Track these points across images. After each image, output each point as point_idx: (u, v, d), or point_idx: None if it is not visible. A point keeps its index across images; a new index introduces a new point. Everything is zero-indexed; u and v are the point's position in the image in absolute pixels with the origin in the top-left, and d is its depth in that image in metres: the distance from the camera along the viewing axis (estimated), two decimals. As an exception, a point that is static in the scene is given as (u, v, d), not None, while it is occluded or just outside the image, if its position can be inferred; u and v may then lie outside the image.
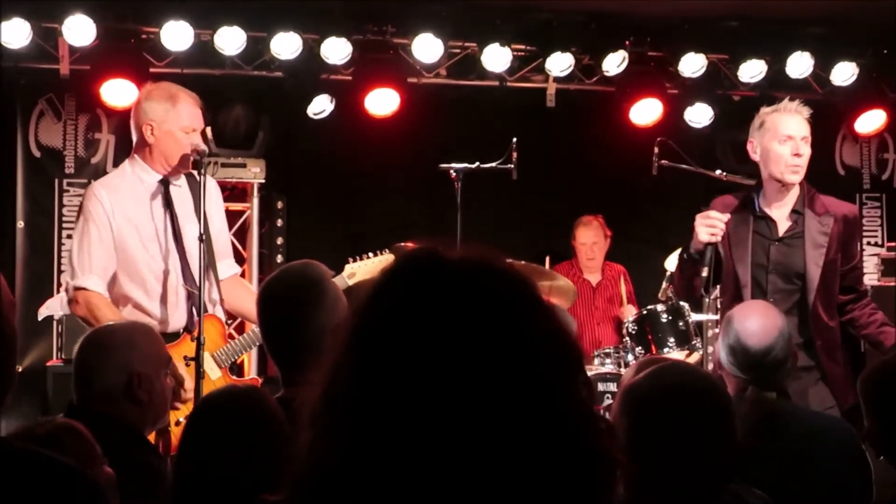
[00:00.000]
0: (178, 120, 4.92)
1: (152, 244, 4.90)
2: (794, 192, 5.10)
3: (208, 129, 6.57)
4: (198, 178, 4.82)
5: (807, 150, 5.00)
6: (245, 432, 2.63)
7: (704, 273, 4.80)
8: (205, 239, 4.70)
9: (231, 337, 5.11)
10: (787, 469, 3.30)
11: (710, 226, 4.86)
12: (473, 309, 1.28)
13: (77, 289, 4.81)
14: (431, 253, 1.34)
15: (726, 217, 4.93)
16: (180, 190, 5.03)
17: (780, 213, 5.11)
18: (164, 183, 4.95)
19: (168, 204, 4.94)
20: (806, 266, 4.99)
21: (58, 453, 2.24)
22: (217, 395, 2.85)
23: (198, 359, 4.51)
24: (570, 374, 1.32)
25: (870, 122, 8.73)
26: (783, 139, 4.99)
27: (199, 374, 4.50)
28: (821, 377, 4.92)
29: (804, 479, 3.34)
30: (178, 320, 4.91)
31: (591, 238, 8.20)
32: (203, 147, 4.90)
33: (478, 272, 1.32)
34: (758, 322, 3.71)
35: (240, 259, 7.77)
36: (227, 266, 5.18)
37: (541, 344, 1.29)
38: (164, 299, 4.90)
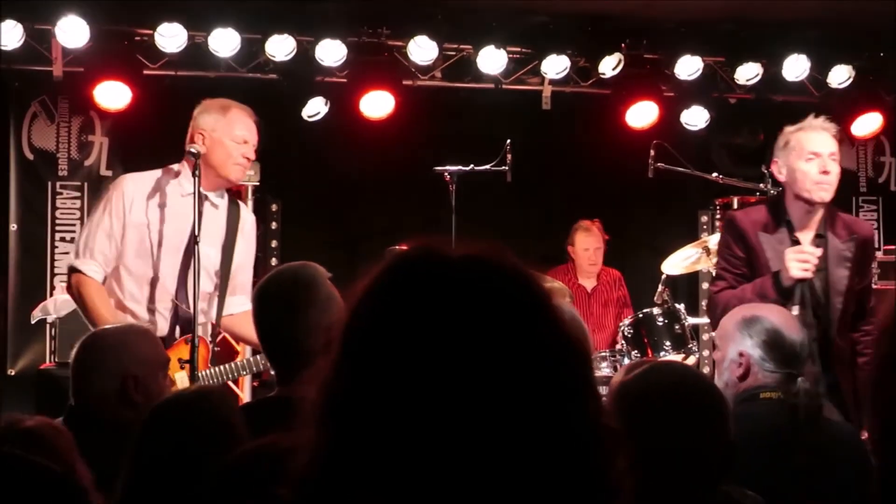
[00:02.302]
0: (229, 129, 4.95)
1: (159, 249, 4.89)
2: (819, 214, 4.90)
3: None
4: (194, 181, 4.80)
5: (835, 168, 4.83)
6: (191, 438, 2.62)
7: (795, 312, 4.52)
8: (197, 247, 4.70)
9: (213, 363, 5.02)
10: (822, 469, 3.30)
11: (802, 260, 4.69)
12: (473, 307, 1.25)
13: (74, 269, 4.86)
14: (429, 250, 1.32)
15: (820, 251, 4.75)
16: (216, 212, 5.03)
17: (805, 237, 4.90)
18: (201, 197, 4.85)
19: (197, 221, 4.80)
20: (830, 297, 4.85)
21: (37, 452, 2.25)
22: (166, 402, 2.84)
23: (192, 362, 4.59)
24: (576, 377, 1.30)
25: (866, 124, 8.74)
26: (809, 157, 4.82)
27: (194, 378, 4.57)
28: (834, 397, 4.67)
29: (827, 483, 3.34)
30: (159, 330, 4.85)
31: (593, 243, 8.19)
32: (253, 158, 4.98)
33: (478, 269, 1.30)
34: (785, 316, 3.73)
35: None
36: (241, 300, 5.09)
37: (546, 344, 1.27)
38: (150, 305, 4.90)
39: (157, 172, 5.07)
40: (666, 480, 2.34)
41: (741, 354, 3.64)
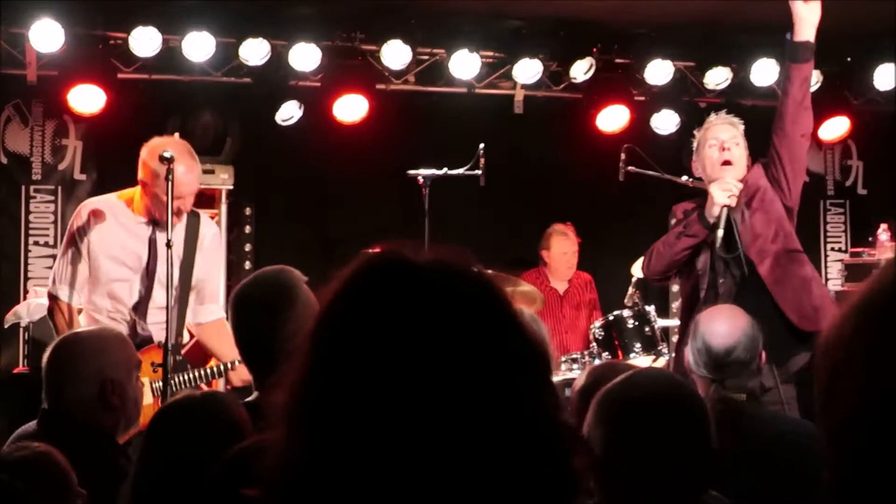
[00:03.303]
0: (163, 187, 4.96)
1: (123, 270, 5.21)
2: None
3: (176, 136, 6.59)
4: (166, 189, 4.92)
5: (737, 151, 5.17)
6: (204, 439, 2.63)
7: (720, 234, 4.98)
8: (169, 251, 4.92)
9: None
10: (750, 470, 3.32)
11: (725, 189, 5.02)
12: (437, 311, 1.27)
13: (51, 295, 5.30)
14: (396, 255, 1.33)
15: (740, 185, 5.08)
16: (174, 230, 5.09)
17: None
18: (156, 221, 5.18)
19: (151, 241, 5.22)
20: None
21: (28, 482, 2.25)
22: (174, 404, 2.85)
23: (165, 365, 4.76)
24: (537, 380, 1.31)
25: (833, 129, 8.81)
26: (711, 143, 5.19)
27: (166, 380, 4.75)
28: None
29: (768, 480, 3.36)
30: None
31: (570, 247, 8.20)
32: (186, 209, 5.18)
33: (443, 275, 1.31)
34: (722, 324, 3.77)
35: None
36: (211, 310, 5.36)
37: (506, 349, 1.29)
38: (111, 316, 5.22)
39: (113, 197, 5.36)
40: (650, 489, 2.33)
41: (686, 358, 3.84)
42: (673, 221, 5.44)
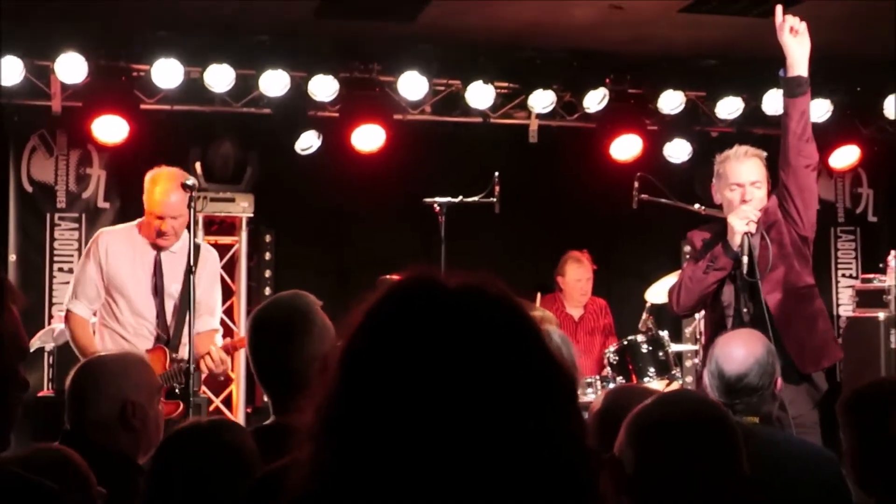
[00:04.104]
0: (149, 208, 5.60)
1: (136, 288, 5.67)
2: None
3: (198, 165, 6.67)
4: (188, 216, 5.53)
5: (758, 194, 5.13)
6: (209, 465, 2.64)
7: (745, 261, 5.01)
8: (193, 277, 5.48)
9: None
10: (763, 494, 3.30)
11: (743, 217, 5.04)
12: (466, 333, 1.28)
13: (68, 310, 5.71)
14: (426, 278, 1.34)
15: (759, 213, 5.09)
16: (174, 256, 5.71)
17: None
18: (156, 247, 5.70)
19: (157, 262, 5.70)
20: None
21: (53, 478, 2.26)
22: (180, 431, 2.86)
23: (188, 382, 5.34)
24: (562, 402, 1.31)
25: (844, 157, 8.81)
26: (733, 187, 5.14)
27: (189, 393, 5.37)
28: None
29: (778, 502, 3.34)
30: (144, 345, 5.61)
31: (584, 274, 8.19)
32: (168, 230, 5.61)
33: (472, 298, 1.32)
34: (737, 349, 3.75)
35: (228, 292, 7.82)
36: (205, 321, 5.80)
37: (533, 372, 1.29)
38: (137, 330, 5.66)
39: (129, 225, 5.81)
40: None
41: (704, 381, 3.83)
42: (688, 249, 5.44)
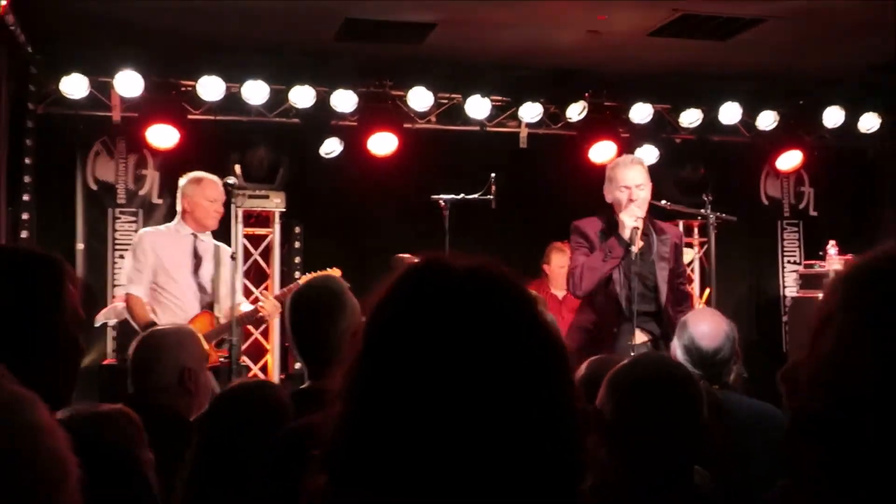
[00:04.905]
0: (203, 194, 5.96)
1: (178, 272, 5.92)
2: (641, 224, 5.35)
3: (237, 167, 6.67)
4: (232, 208, 5.91)
5: (642, 194, 5.32)
6: (255, 420, 2.66)
7: (634, 249, 5.22)
8: (234, 261, 5.95)
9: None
10: (733, 453, 3.29)
11: (632, 215, 5.26)
12: (474, 309, 1.27)
13: (127, 293, 5.98)
14: (438, 261, 1.33)
15: (643, 211, 5.31)
16: (205, 245, 6.02)
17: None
18: (194, 236, 6.01)
19: (195, 251, 5.99)
20: (657, 283, 5.38)
21: (113, 432, 2.27)
22: (231, 391, 2.89)
23: (231, 355, 5.45)
24: (561, 370, 1.30)
25: (788, 160, 8.82)
26: (622, 189, 5.33)
27: (232, 360, 5.63)
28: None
29: (748, 461, 3.33)
30: (192, 310, 5.95)
31: (566, 261, 8.16)
32: (222, 212, 6.01)
33: (479, 278, 1.31)
34: (708, 326, 3.71)
35: (264, 275, 7.83)
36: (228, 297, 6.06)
37: (535, 340, 1.28)
38: (182, 304, 5.93)
39: (169, 224, 6.14)
40: (650, 455, 2.31)
41: (673, 351, 3.80)
42: (575, 236, 5.53)
